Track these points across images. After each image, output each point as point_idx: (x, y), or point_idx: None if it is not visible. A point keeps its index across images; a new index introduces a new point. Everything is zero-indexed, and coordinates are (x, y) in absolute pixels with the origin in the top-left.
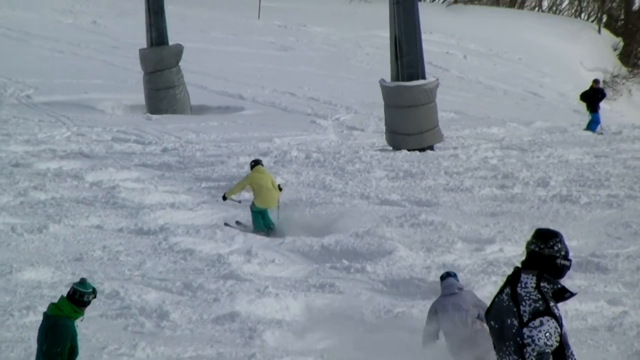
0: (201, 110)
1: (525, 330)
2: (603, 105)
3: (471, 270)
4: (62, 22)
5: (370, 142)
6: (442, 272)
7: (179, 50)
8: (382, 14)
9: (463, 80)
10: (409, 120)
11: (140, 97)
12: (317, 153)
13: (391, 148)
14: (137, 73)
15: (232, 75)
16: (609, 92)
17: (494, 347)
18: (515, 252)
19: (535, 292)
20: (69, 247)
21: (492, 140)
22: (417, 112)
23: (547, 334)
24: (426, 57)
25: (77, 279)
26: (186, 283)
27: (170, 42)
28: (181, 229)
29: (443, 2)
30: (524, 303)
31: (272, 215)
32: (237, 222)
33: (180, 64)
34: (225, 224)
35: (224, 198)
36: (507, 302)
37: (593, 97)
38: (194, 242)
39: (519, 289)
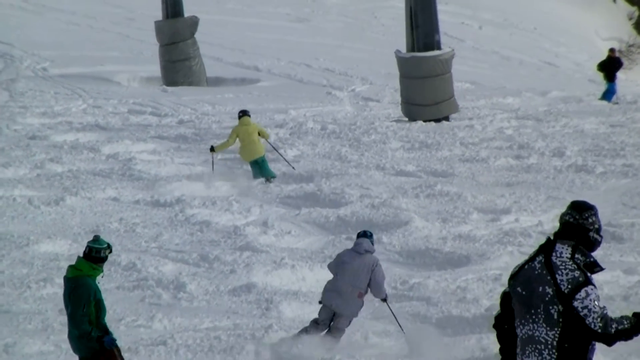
0: (217, 82)
1: (576, 304)
2: (619, 74)
3: (487, 241)
4: None
5: (386, 113)
6: (457, 242)
7: (194, 22)
8: None
9: (478, 51)
10: (425, 91)
11: (156, 69)
12: (333, 124)
13: (407, 119)
14: (152, 45)
15: (247, 47)
16: (624, 62)
17: (517, 313)
18: (531, 222)
19: (571, 263)
20: (85, 220)
21: (508, 111)
22: (432, 82)
23: (597, 301)
24: (441, 27)
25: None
26: (202, 255)
27: (186, 14)
28: (197, 200)
29: None
30: (560, 272)
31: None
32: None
33: (195, 35)
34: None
35: (212, 149)
36: (539, 270)
37: (610, 66)
38: (210, 214)
39: (553, 258)
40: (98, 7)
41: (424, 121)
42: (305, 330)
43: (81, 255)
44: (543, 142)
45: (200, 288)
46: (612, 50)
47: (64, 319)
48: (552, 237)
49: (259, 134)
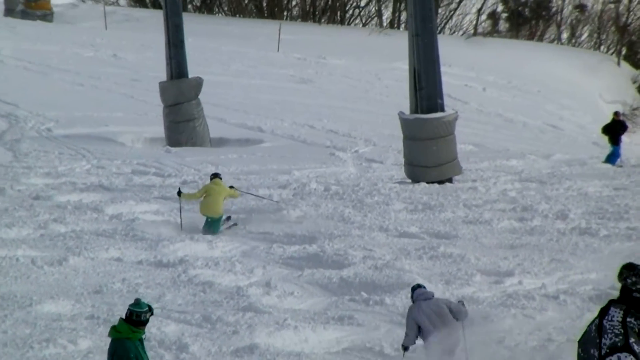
0: (220, 142)
1: None
2: (623, 137)
3: (490, 303)
4: (82, 55)
5: (389, 174)
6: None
7: (198, 83)
8: (401, 46)
9: (482, 113)
10: (428, 152)
11: (160, 130)
12: (336, 185)
13: (410, 180)
14: (157, 106)
15: (251, 108)
16: (629, 125)
17: None
18: (534, 285)
19: (619, 327)
20: (88, 280)
21: (511, 173)
22: (436, 144)
23: None
24: (445, 89)
25: (97, 312)
26: (205, 315)
27: (190, 75)
28: (200, 261)
29: (462, 34)
30: (605, 336)
31: None
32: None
33: (199, 96)
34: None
35: (179, 193)
36: (593, 333)
37: (614, 129)
38: (213, 275)
39: (605, 322)
40: (103, 68)
41: (427, 183)
42: None
43: (123, 317)
44: (547, 205)
45: (203, 349)
46: (616, 113)
47: None
48: (613, 299)
49: (231, 196)
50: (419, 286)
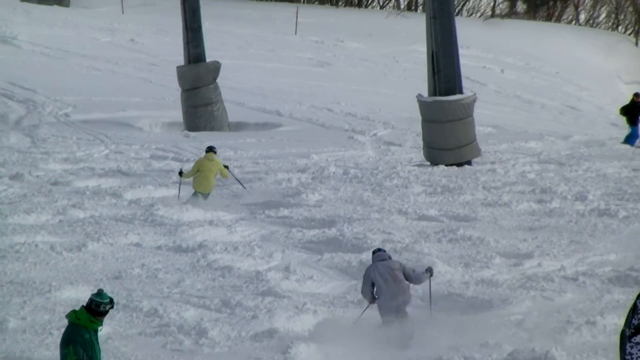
0: (239, 127)
1: (627, 345)
2: None
3: (509, 286)
4: (100, 40)
5: (408, 157)
6: (480, 287)
7: (216, 67)
8: (419, 29)
9: (500, 95)
10: (447, 135)
11: (178, 115)
12: (355, 169)
13: (429, 163)
14: (174, 90)
15: (269, 92)
16: None
17: None
18: (553, 267)
19: None
20: (107, 265)
21: (530, 155)
22: (454, 126)
23: None
24: (463, 71)
25: (116, 297)
26: (224, 300)
27: (208, 59)
28: (219, 246)
29: (480, 16)
30: (636, 316)
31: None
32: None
33: (217, 80)
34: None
35: (180, 173)
36: (629, 313)
37: (633, 110)
38: (232, 259)
39: (638, 302)
40: (120, 53)
41: (446, 165)
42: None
43: (85, 304)
44: (565, 186)
45: (222, 334)
46: (636, 94)
47: None
48: None
49: (220, 173)
50: (378, 250)
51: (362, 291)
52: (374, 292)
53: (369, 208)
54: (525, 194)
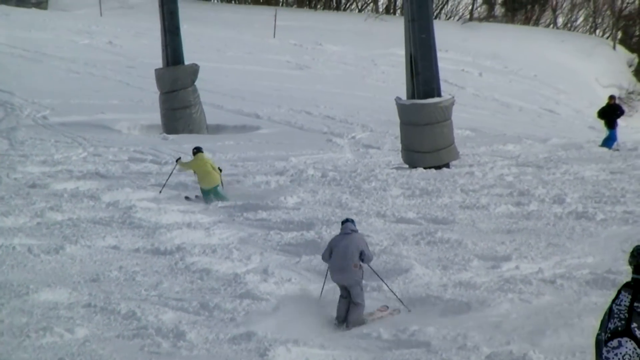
0: (217, 129)
1: (603, 350)
2: (619, 121)
3: (487, 288)
4: (78, 42)
5: (386, 160)
6: (458, 289)
7: (194, 69)
8: (397, 32)
9: (479, 98)
10: (425, 138)
11: (156, 117)
12: (334, 171)
13: (407, 166)
14: (153, 93)
15: (248, 94)
16: (624, 109)
17: None
18: (531, 270)
19: (625, 311)
20: (85, 268)
21: (508, 158)
22: (432, 129)
23: (625, 356)
24: (442, 74)
25: (93, 300)
26: (203, 303)
27: (186, 62)
28: (197, 248)
29: (458, 19)
30: (612, 320)
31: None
32: (196, 197)
33: (196, 83)
34: (186, 198)
35: (178, 160)
36: (604, 317)
37: (610, 113)
38: (211, 262)
39: (614, 306)
40: (98, 55)
41: (425, 168)
42: (339, 306)
43: None
44: (543, 189)
45: (200, 336)
46: (612, 97)
47: None
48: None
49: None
50: (347, 220)
51: (322, 255)
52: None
53: (347, 211)
54: (503, 197)
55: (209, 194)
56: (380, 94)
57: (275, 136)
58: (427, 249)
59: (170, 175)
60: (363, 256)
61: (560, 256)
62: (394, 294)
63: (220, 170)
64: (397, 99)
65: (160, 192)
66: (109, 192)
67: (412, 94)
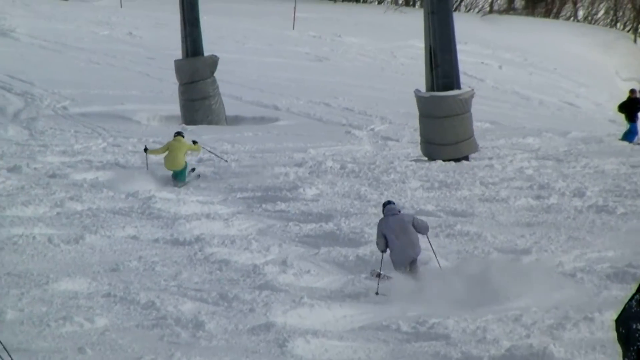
0: (236, 120)
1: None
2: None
3: (507, 281)
4: (98, 33)
5: (405, 152)
6: (478, 283)
7: (214, 61)
8: (416, 24)
9: (498, 90)
10: (444, 130)
11: (175, 108)
12: (352, 163)
13: (426, 158)
14: (172, 84)
15: (267, 86)
16: None
17: (622, 354)
18: (551, 263)
19: None
20: (105, 258)
21: (528, 151)
22: (452, 122)
23: None
24: (461, 67)
25: (113, 290)
26: (222, 293)
27: (206, 53)
28: (217, 239)
29: (478, 12)
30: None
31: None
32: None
33: (215, 74)
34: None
35: (145, 150)
36: (635, 308)
37: (631, 106)
38: (230, 253)
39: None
40: (118, 46)
41: (444, 161)
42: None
43: None
44: (563, 183)
45: (219, 327)
46: (632, 91)
47: (83, 357)
48: None
49: (190, 151)
50: (389, 202)
51: (376, 243)
52: (386, 245)
53: (366, 203)
54: (523, 190)
55: (174, 176)
56: (400, 86)
57: (294, 128)
58: (447, 242)
59: (147, 158)
60: (419, 227)
61: (580, 250)
62: (434, 253)
63: (195, 143)
64: (417, 91)
65: (147, 169)
66: (129, 183)
67: (431, 87)
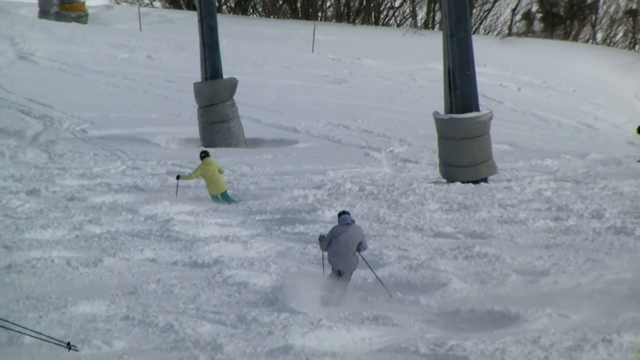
0: (255, 143)
1: None
2: None
3: (525, 303)
4: (117, 56)
5: (424, 174)
6: (496, 305)
7: (233, 83)
8: (435, 46)
9: (517, 113)
10: (463, 152)
11: (194, 131)
12: (371, 185)
13: (445, 180)
14: (191, 107)
15: (286, 108)
16: None
17: None
18: (569, 284)
19: None
20: (123, 281)
21: (546, 172)
22: (470, 144)
23: None
24: (480, 89)
25: (131, 313)
26: (240, 316)
27: (225, 76)
28: (235, 261)
29: (497, 34)
30: None
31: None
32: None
33: (234, 97)
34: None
35: (178, 177)
36: None
37: None
38: (248, 275)
39: None
40: (137, 69)
41: (462, 182)
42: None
43: None
44: (582, 204)
45: (238, 349)
46: None
47: None
48: None
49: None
50: (344, 212)
51: (320, 245)
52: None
53: (384, 225)
54: (542, 212)
55: (218, 199)
56: (418, 108)
57: (313, 150)
58: (465, 264)
59: (177, 186)
60: (360, 246)
61: (598, 271)
62: (380, 282)
63: (221, 172)
64: (435, 113)
65: (176, 196)
66: (147, 205)
67: (450, 109)
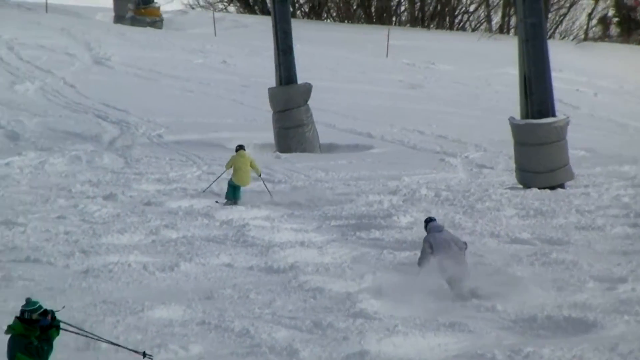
0: (330, 148)
1: None
2: None
3: (603, 310)
4: (192, 61)
5: (500, 180)
6: (573, 311)
7: (307, 89)
8: (511, 51)
9: (594, 118)
10: (539, 158)
11: (269, 136)
12: (447, 191)
13: (521, 186)
14: (266, 112)
15: (360, 114)
16: None
17: None
18: None
19: None
20: (199, 285)
21: (624, 178)
22: (547, 149)
23: None
24: (556, 94)
25: (207, 317)
26: (316, 321)
27: (299, 81)
28: (311, 267)
29: (573, 39)
30: None
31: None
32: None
33: (309, 102)
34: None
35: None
36: None
37: None
38: (324, 281)
39: None
40: (212, 74)
41: (539, 188)
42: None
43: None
44: None
45: (313, 355)
46: None
47: None
48: None
49: (251, 166)
50: (431, 219)
51: (420, 257)
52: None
53: (460, 231)
54: (620, 218)
55: (234, 190)
56: (494, 113)
57: (388, 155)
58: (542, 270)
59: (215, 181)
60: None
61: None
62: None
63: (260, 175)
64: (511, 118)
65: (204, 191)
66: (223, 211)
67: (526, 114)
